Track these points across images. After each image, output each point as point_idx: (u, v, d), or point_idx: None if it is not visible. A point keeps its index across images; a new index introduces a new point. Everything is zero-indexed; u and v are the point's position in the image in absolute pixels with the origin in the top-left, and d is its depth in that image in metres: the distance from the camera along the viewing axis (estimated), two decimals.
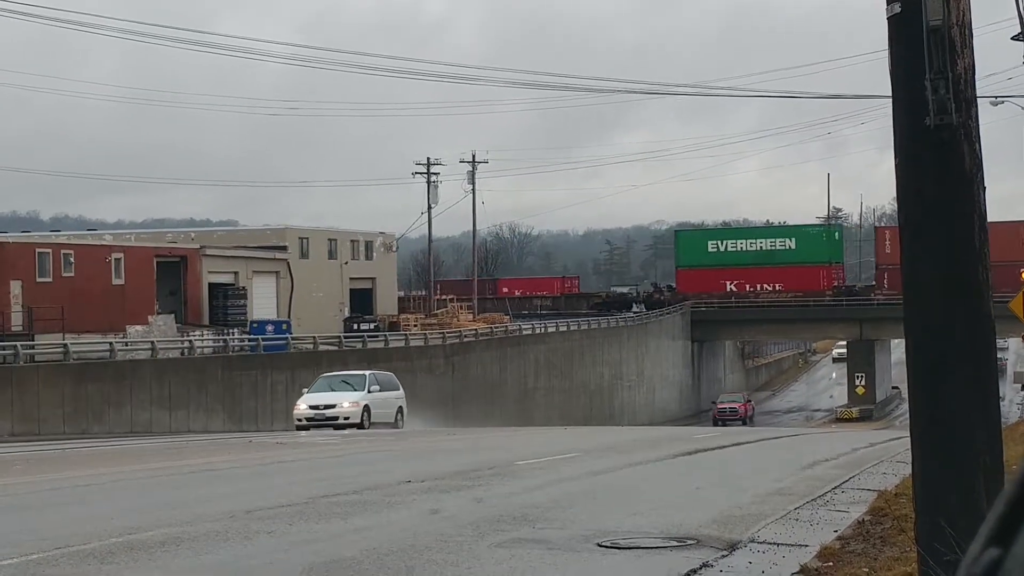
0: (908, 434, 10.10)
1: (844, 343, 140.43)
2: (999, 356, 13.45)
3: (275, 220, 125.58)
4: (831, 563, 12.71)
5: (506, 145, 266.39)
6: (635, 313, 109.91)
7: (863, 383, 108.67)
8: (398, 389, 52.14)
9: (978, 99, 9.76)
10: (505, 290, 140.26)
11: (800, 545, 14.21)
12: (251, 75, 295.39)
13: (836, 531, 15.28)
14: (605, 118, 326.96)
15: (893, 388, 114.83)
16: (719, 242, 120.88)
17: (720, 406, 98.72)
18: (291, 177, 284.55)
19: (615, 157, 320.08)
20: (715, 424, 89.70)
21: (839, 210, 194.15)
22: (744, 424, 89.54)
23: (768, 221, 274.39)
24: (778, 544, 14.32)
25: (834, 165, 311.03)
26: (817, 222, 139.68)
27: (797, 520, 16.56)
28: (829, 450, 32.16)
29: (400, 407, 51.35)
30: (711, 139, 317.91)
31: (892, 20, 9.58)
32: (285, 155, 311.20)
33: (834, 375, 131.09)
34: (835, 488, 20.90)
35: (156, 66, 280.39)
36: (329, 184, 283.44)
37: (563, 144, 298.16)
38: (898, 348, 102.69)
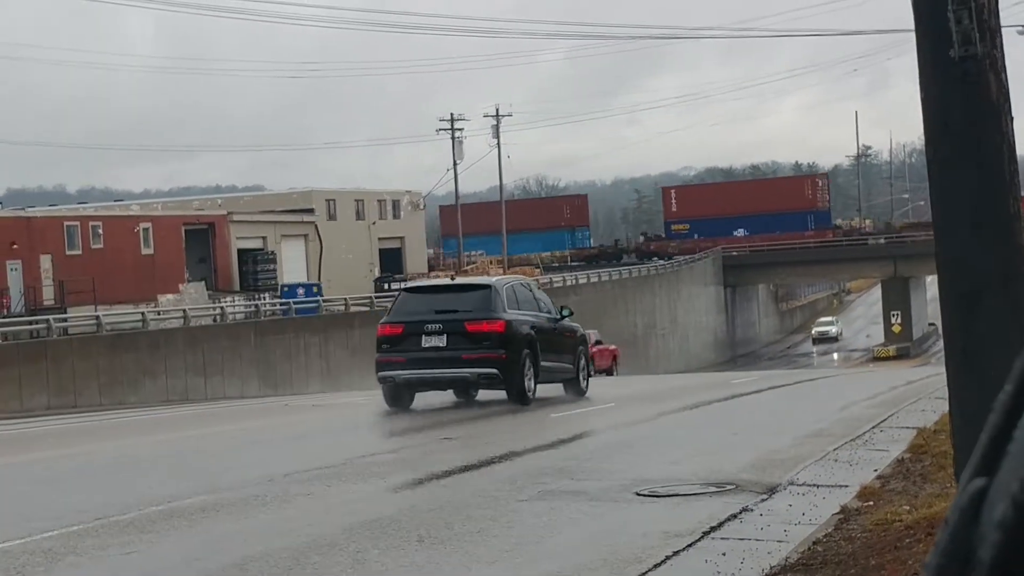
0: (945, 370, 10.01)
1: (828, 320, 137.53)
2: None
3: (300, 183, 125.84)
4: (871, 502, 12.64)
5: (541, 97, 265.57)
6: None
7: (899, 321, 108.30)
8: None
9: (1003, 28, 9.63)
10: None
11: (840, 486, 14.15)
12: (276, 39, 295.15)
13: (876, 470, 15.20)
14: (640, 65, 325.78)
15: (930, 325, 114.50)
16: None
17: None
18: (316, 140, 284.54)
19: (650, 104, 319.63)
20: None
21: (868, 148, 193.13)
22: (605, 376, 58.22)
23: (797, 162, 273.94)
24: (818, 486, 14.26)
25: (874, 102, 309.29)
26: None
27: (836, 461, 16.49)
28: (866, 389, 32.09)
29: None
30: (748, 81, 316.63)
31: None
32: (310, 118, 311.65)
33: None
34: (873, 427, 20.83)
35: (181, 34, 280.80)
36: (355, 145, 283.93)
37: (597, 93, 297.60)
38: (933, 285, 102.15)
